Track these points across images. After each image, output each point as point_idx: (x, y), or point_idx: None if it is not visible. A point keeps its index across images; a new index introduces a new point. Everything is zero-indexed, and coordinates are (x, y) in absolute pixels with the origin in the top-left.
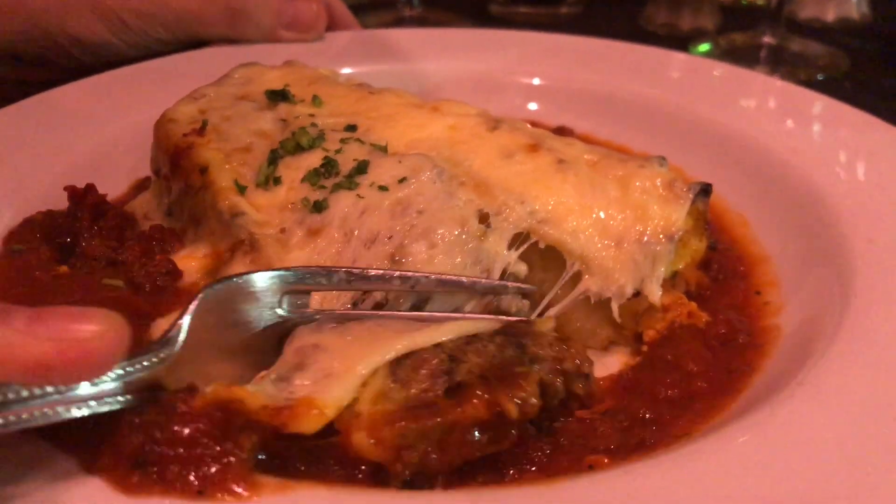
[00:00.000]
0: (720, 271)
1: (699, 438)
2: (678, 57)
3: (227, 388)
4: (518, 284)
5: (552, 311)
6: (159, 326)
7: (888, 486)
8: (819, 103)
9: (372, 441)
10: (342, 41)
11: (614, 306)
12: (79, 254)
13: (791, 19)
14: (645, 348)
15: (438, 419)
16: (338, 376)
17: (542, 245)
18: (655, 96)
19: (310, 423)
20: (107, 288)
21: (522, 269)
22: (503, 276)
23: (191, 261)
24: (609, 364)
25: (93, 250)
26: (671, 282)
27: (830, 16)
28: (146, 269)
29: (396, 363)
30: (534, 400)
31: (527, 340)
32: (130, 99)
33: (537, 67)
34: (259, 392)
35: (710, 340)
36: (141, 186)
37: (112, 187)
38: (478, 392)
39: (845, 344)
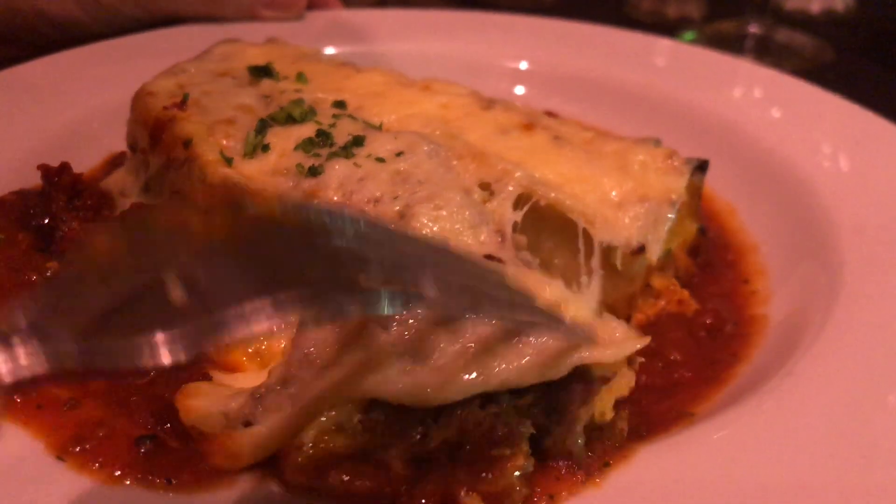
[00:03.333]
0: (708, 259)
1: (689, 428)
2: (666, 43)
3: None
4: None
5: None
6: None
7: (876, 477)
8: (808, 92)
9: (300, 477)
10: (323, 21)
11: (619, 260)
12: (59, 239)
13: (777, 9)
14: None
15: (386, 489)
16: (289, 419)
17: (543, 203)
18: (643, 82)
19: (218, 463)
20: None
21: (523, 240)
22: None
23: None
24: None
25: (74, 234)
26: (664, 261)
27: (816, 7)
28: None
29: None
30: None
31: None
32: (104, 75)
33: (524, 51)
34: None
35: (696, 329)
36: (114, 162)
37: (85, 164)
38: (436, 476)
39: (833, 334)
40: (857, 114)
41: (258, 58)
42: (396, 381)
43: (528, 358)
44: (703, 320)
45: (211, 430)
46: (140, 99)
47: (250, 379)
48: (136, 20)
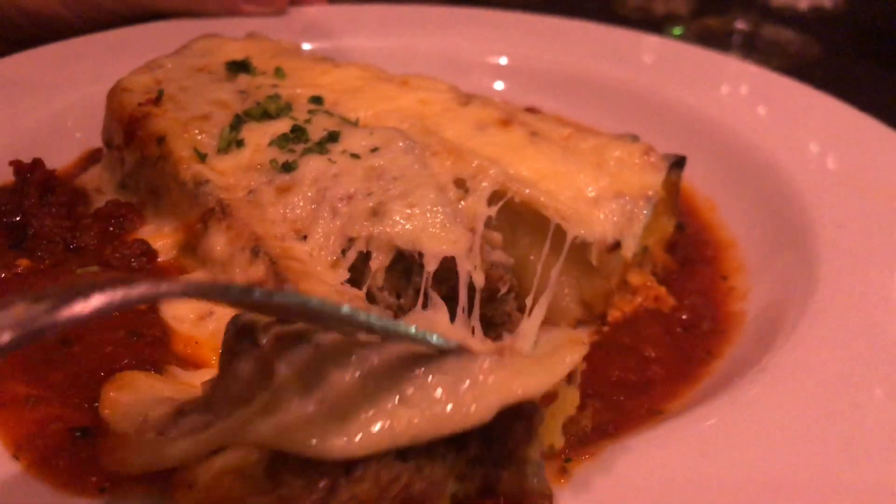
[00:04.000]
0: (687, 255)
1: (659, 425)
2: (649, 39)
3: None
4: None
5: (553, 274)
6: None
7: (846, 472)
8: (790, 89)
9: None
10: (305, 17)
11: (594, 255)
12: (32, 236)
13: (764, 6)
14: (606, 328)
15: None
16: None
17: (517, 199)
18: (625, 78)
19: (106, 463)
20: (85, 277)
21: (497, 237)
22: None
23: (161, 239)
24: None
25: (46, 232)
26: (640, 257)
27: (804, 3)
28: (119, 251)
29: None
30: None
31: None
32: (81, 70)
33: (505, 46)
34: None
35: (672, 326)
36: (91, 159)
37: (60, 160)
38: None
39: (808, 330)
40: (840, 110)
41: (237, 53)
42: (294, 429)
43: (440, 404)
44: (679, 316)
45: (118, 430)
46: (115, 95)
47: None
48: (117, 15)
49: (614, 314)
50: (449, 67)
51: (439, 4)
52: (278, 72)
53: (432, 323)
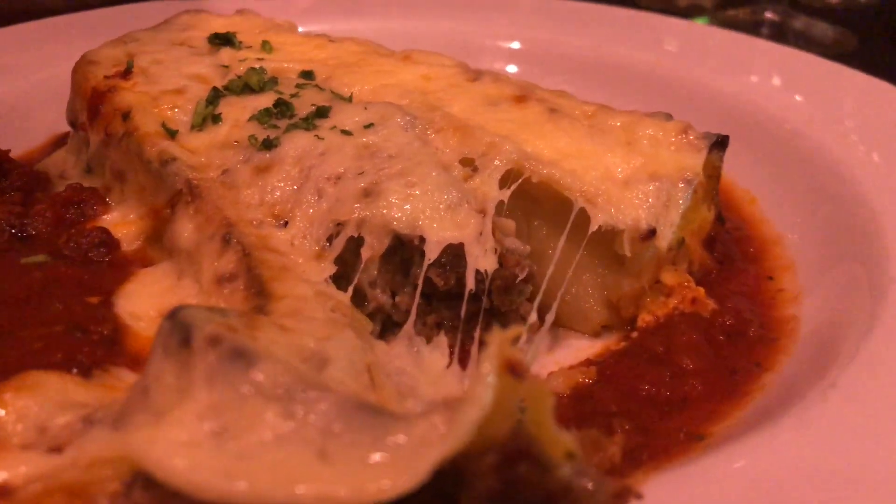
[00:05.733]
0: (727, 252)
1: (695, 457)
2: (674, 22)
3: None
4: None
5: (572, 266)
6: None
7: None
8: (833, 71)
9: None
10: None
11: (626, 244)
12: None
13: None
14: (635, 334)
15: None
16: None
17: (535, 180)
18: (649, 62)
19: None
20: (29, 268)
21: (510, 225)
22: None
23: (125, 227)
24: (585, 348)
25: None
26: (676, 252)
27: None
28: (74, 241)
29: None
30: None
31: None
32: (54, 50)
33: (518, 30)
34: None
35: (713, 333)
36: (60, 143)
37: (26, 144)
38: None
39: (883, 340)
40: (890, 93)
41: (223, 28)
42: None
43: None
44: (722, 321)
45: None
46: (80, 69)
47: None
48: None
49: (645, 318)
50: (458, 52)
51: None
52: (265, 46)
53: (421, 366)
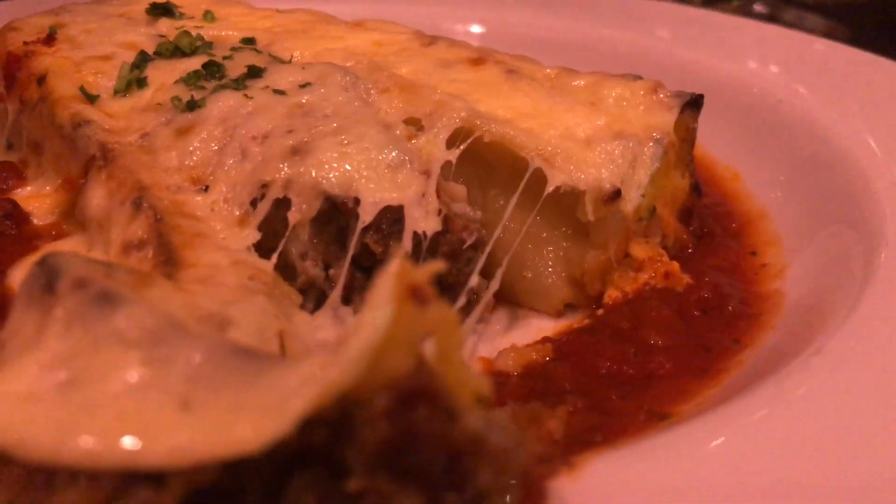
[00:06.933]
0: (706, 227)
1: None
2: (655, 3)
3: None
4: None
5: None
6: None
7: None
8: (817, 44)
9: None
10: None
11: (588, 206)
12: None
13: None
14: (601, 311)
15: None
16: None
17: (486, 139)
18: (624, 40)
19: None
20: None
21: (461, 190)
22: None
23: (37, 200)
24: (547, 329)
25: None
26: (647, 223)
27: None
28: None
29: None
30: None
31: None
32: None
33: (480, 13)
34: None
35: (687, 308)
36: None
37: None
38: None
39: (874, 306)
40: (877, 62)
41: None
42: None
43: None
44: (697, 296)
45: None
46: (1, 36)
47: None
48: None
49: (612, 294)
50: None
51: None
52: (207, 15)
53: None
